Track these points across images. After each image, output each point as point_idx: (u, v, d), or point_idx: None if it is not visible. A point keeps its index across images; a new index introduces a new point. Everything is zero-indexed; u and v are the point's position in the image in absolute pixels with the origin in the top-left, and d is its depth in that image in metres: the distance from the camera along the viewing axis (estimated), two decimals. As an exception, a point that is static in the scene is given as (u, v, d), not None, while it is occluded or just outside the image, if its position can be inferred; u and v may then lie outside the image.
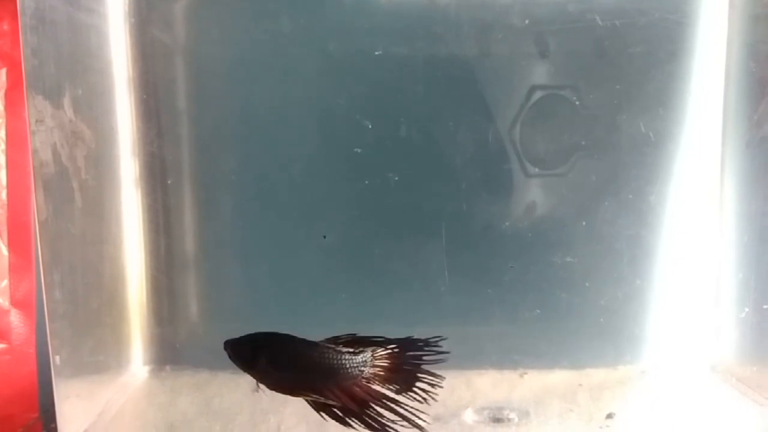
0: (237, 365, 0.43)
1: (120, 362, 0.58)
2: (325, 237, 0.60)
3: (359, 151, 0.59)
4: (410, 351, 0.45)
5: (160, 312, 0.62)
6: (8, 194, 0.64)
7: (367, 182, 0.60)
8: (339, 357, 0.43)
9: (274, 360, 0.43)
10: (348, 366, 0.43)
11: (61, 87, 0.47)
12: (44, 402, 0.61)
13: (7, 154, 0.64)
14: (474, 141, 0.59)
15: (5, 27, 0.64)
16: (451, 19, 0.58)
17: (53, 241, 0.45)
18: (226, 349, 0.44)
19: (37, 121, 0.42)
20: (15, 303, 0.64)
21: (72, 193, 0.48)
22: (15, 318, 0.64)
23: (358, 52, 0.59)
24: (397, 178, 0.60)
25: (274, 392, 0.54)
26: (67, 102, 0.47)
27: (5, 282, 0.64)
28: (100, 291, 0.54)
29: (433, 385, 0.45)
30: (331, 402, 0.42)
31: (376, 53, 0.58)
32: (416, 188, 0.60)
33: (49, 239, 0.44)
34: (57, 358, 0.44)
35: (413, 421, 0.43)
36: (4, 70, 0.64)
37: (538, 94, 0.59)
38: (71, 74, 0.48)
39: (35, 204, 0.43)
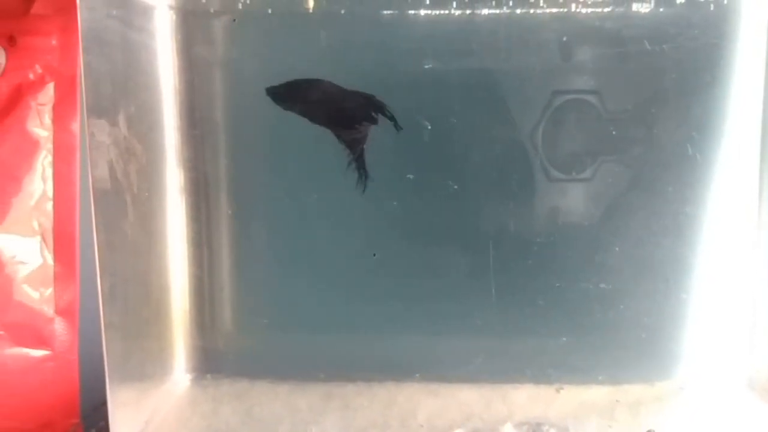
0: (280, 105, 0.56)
1: (164, 370, 0.59)
2: (375, 255, 0.60)
3: (411, 177, 0.60)
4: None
5: (202, 322, 0.63)
6: (54, 205, 0.65)
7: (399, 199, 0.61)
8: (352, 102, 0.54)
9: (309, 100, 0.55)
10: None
11: (116, 105, 0.48)
12: (85, 408, 0.64)
13: (54, 166, 0.65)
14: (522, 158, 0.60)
15: (53, 42, 0.65)
16: (489, 34, 0.59)
17: (109, 253, 0.46)
18: (268, 94, 0.56)
19: (94, 138, 0.44)
20: (59, 311, 0.65)
21: (125, 207, 0.49)
22: (59, 326, 0.65)
23: (394, 66, 0.59)
24: (455, 187, 0.60)
25: (312, 402, 0.56)
26: (121, 119, 0.49)
27: (50, 290, 0.65)
28: (149, 301, 0.55)
29: None
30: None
31: (426, 66, 0.58)
32: (464, 204, 0.60)
33: (104, 251, 0.45)
34: (111, 367, 0.45)
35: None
36: (51, 85, 0.65)
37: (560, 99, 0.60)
38: (125, 92, 0.50)
39: (93, 218, 0.44)
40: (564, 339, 0.61)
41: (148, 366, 0.55)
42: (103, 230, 0.45)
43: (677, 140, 0.59)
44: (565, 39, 0.59)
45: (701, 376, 0.62)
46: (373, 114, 0.57)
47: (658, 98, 0.58)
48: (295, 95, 0.58)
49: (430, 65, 0.59)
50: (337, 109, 0.58)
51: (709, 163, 0.60)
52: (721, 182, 0.60)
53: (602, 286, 0.59)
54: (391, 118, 0.56)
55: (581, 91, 0.59)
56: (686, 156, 0.59)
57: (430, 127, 0.59)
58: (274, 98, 0.58)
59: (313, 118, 0.58)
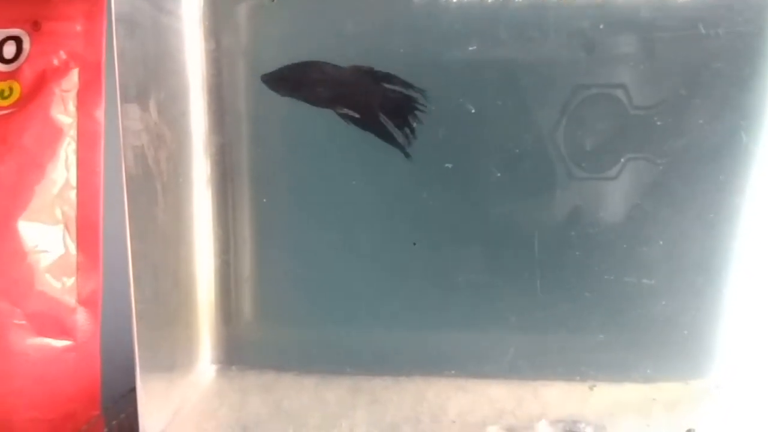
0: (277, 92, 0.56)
1: (191, 361, 0.59)
2: (414, 244, 0.59)
3: (449, 166, 0.59)
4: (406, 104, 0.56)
5: (227, 312, 0.62)
6: (78, 194, 0.64)
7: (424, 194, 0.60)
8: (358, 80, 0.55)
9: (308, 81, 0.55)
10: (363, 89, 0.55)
11: (147, 90, 0.47)
12: (106, 399, 0.63)
13: (78, 153, 0.64)
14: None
15: (78, 28, 0.64)
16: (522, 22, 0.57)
17: (140, 240, 0.45)
18: (263, 79, 0.56)
19: (127, 123, 0.42)
20: (81, 301, 0.64)
21: (156, 195, 0.48)
22: (81, 316, 0.64)
23: (422, 53, 0.58)
24: (498, 174, 0.59)
25: (340, 396, 0.55)
26: (152, 105, 0.48)
27: (72, 280, 0.64)
28: (178, 290, 0.54)
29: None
30: (352, 113, 0.55)
31: (470, 48, 0.57)
32: (504, 198, 0.59)
33: (136, 238, 0.45)
34: (142, 357, 0.44)
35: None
36: (76, 71, 0.64)
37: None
38: (156, 77, 0.49)
39: (126, 204, 0.43)
40: (601, 336, 0.59)
41: (176, 356, 0.54)
42: (134, 217, 0.44)
43: (719, 132, 0.57)
44: (601, 27, 0.57)
45: (737, 374, 0.60)
46: (378, 85, 0.56)
47: (701, 89, 0.57)
48: (291, 80, 0.57)
49: (471, 48, 0.57)
50: (337, 88, 0.57)
51: (751, 155, 0.58)
52: (762, 175, 0.58)
53: (645, 281, 0.58)
54: (404, 84, 0.55)
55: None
56: (729, 149, 0.57)
57: (473, 111, 0.57)
58: (270, 85, 0.57)
59: (315, 102, 0.58)
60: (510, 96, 0.57)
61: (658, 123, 0.57)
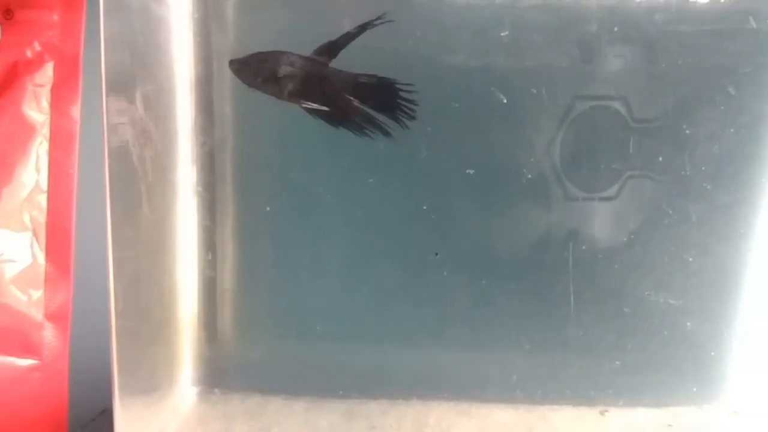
0: (243, 80, 0.54)
1: (171, 383, 0.55)
2: (437, 254, 0.57)
3: (471, 172, 0.56)
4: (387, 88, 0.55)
5: (212, 329, 0.59)
6: (49, 198, 0.60)
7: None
8: (327, 72, 0.53)
9: (275, 72, 0.52)
10: (334, 80, 0.54)
11: (134, 80, 0.43)
12: (74, 423, 0.59)
13: (51, 154, 0.60)
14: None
15: (55, 18, 0.60)
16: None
17: (123, 249, 0.41)
18: (231, 66, 0.54)
19: (112, 115, 0.38)
20: (49, 316, 0.59)
21: (140, 198, 0.44)
22: (48, 332, 0.59)
23: (418, 55, 0.55)
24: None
25: (333, 421, 0.51)
26: (138, 97, 0.43)
27: (40, 293, 0.60)
28: (160, 305, 0.50)
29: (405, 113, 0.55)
30: (321, 108, 0.54)
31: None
32: (508, 214, 0.57)
33: (119, 246, 0.40)
34: (120, 379, 0.40)
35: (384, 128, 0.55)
36: (51, 64, 0.60)
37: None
38: (143, 67, 0.45)
39: (107, 207, 0.39)
40: (615, 360, 0.57)
41: (155, 377, 0.49)
42: (116, 221, 0.39)
43: (737, 143, 0.55)
44: (616, 29, 0.55)
45: (755, 399, 0.58)
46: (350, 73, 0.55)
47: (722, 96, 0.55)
48: (254, 67, 0.55)
49: (460, 54, 0.55)
50: (304, 79, 0.55)
51: (759, 169, 0.56)
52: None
53: (672, 302, 0.56)
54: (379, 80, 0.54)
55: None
56: (747, 160, 0.55)
57: (505, 101, 0.55)
58: (236, 72, 0.55)
59: (279, 94, 0.55)
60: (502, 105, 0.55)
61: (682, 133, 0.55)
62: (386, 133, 0.56)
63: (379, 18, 0.54)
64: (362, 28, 0.54)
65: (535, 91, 0.55)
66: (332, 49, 0.54)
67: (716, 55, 0.54)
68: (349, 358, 0.59)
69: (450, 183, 0.56)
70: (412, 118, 0.55)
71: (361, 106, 0.55)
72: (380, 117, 0.56)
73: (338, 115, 0.55)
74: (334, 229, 0.58)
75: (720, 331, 0.57)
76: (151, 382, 0.49)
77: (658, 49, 0.54)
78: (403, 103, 0.55)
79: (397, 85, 0.55)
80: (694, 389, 0.58)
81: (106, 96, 0.38)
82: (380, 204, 0.57)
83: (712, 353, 0.56)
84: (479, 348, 0.58)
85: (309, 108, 0.55)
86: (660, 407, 0.57)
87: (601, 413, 0.57)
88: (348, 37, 0.54)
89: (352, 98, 0.55)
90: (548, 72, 0.54)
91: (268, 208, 0.57)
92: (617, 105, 0.55)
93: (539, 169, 0.55)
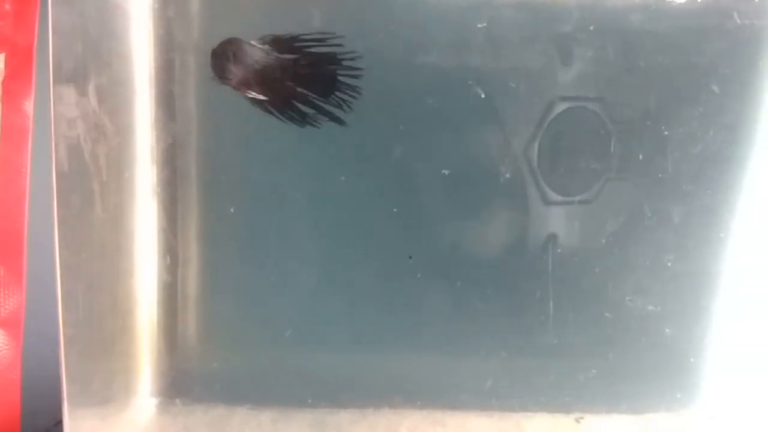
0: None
1: (128, 394, 0.52)
2: (411, 258, 0.56)
3: (447, 173, 0.55)
4: (330, 63, 0.53)
5: (172, 336, 0.57)
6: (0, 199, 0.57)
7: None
8: (269, 59, 0.52)
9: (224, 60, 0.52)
10: (275, 66, 0.52)
11: (86, 70, 0.41)
12: None
13: (1, 151, 0.58)
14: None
15: (6, 7, 0.58)
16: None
17: (72, 252, 0.38)
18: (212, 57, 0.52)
19: (60, 108, 0.35)
20: (0, 322, 0.57)
21: (92, 197, 0.41)
22: (0, 339, 0.57)
23: (392, 52, 0.54)
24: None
25: None
26: (91, 89, 0.41)
27: (-10, 298, 0.57)
28: (115, 312, 0.47)
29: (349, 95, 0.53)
30: (260, 97, 0.52)
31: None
32: (481, 217, 0.56)
33: (67, 249, 0.37)
34: (70, 390, 0.37)
35: (333, 114, 0.53)
36: (2, 56, 0.58)
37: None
38: (97, 57, 0.43)
39: (54, 206, 0.36)
40: (589, 365, 0.56)
41: (111, 388, 0.47)
42: (65, 222, 0.37)
43: (718, 144, 0.55)
44: (592, 28, 0.54)
45: (730, 404, 0.58)
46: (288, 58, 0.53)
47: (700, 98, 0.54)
48: (215, 58, 0.52)
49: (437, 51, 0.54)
50: (249, 67, 0.53)
51: (746, 168, 0.55)
52: (755, 194, 0.56)
53: (650, 307, 0.55)
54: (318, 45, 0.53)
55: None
56: (728, 163, 0.55)
57: (483, 96, 0.54)
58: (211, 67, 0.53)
59: (232, 85, 0.53)
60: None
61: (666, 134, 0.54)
62: (340, 122, 0.54)
63: (334, 40, 0.53)
64: (317, 40, 0.53)
65: (513, 86, 0.54)
66: (277, 43, 0.52)
67: (697, 55, 0.54)
68: (318, 366, 0.58)
69: (424, 183, 0.55)
70: (354, 97, 0.54)
71: (304, 91, 0.53)
72: (327, 103, 0.54)
73: (278, 104, 0.53)
74: (303, 231, 0.56)
75: (698, 337, 0.57)
76: (107, 393, 0.47)
77: (637, 49, 0.54)
78: (344, 83, 0.54)
79: (340, 59, 0.53)
80: (678, 396, 0.57)
81: (54, 87, 0.36)
82: (351, 205, 0.56)
83: (692, 359, 0.56)
84: (454, 354, 0.57)
85: (251, 98, 0.53)
86: (636, 413, 0.57)
87: (577, 420, 0.56)
88: (297, 40, 0.53)
89: (293, 84, 0.53)
90: (525, 72, 0.54)
91: (232, 209, 0.55)
92: (595, 106, 0.54)
93: (516, 170, 0.55)
